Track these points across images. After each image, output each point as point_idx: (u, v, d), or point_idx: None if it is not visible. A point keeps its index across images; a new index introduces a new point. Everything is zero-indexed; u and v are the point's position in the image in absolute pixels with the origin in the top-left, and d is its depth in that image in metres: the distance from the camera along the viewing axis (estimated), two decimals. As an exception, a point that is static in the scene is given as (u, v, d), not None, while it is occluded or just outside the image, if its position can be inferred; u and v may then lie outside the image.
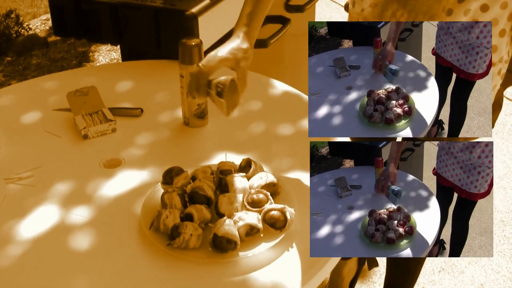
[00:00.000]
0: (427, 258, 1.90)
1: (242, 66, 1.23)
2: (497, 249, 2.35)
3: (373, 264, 2.07)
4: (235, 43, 1.24)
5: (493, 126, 1.46)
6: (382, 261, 2.17)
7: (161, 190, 1.19)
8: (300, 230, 1.12)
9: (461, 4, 1.27)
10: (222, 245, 1.06)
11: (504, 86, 1.45)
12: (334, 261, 1.11)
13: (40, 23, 4.36)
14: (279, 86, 1.64)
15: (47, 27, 4.24)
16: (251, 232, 1.10)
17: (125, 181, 1.28)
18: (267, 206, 1.13)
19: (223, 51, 1.22)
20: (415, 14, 1.30)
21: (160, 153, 1.38)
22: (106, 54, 3.93)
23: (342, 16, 4.37)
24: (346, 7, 1.46)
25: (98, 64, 3.81)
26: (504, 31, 1.30)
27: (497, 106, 1.47)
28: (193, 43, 1.38)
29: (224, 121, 1.49)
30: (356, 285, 2.11)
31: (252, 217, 1.10)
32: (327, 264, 1.08)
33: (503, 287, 2.18)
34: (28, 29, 4.12)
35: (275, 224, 1.10)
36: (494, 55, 1.32)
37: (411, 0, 1.29)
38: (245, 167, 1.23)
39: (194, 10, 1.70)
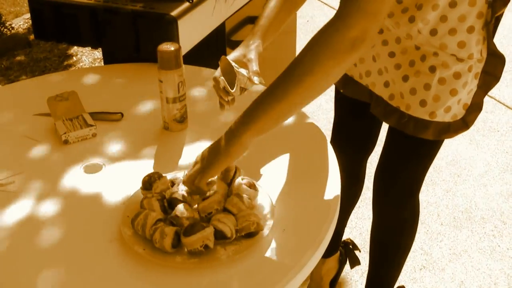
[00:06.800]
0: (408, 257, 1.92)
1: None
2: (477, 246, 2.38)
3: (356, 262, 2.09)
4: (258, 49, 1.47)
5: (471, 125, 1.47)
6: (364, 260, 2.20)
7: (141, 196, 1.20)
8: (277, 233, 1.14)
9: None
10: (199, 250, 1.07)
11: (484, 90, 1.44)
12: (314, 263, 1.13)
13: (23, 22, 4.34)
14: (261, 88, 1.64)
15: (30, 26, 4.21)
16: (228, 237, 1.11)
17: (105, 186, 1.29)
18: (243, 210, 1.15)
19: (253, 54, 1.45)
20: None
21: (140, 158, 1.39)
22: (89, 53, 3.92)
23: (324, 14, 4.39)
24: None
25: (81, 64, 3.80)
26: (472, 28, 1.33)
27: (476, 109, 1.46)
28: (172, 48, 1.38)
29: (204, 125, 1.51)
30: (338, 284, 2.13)
31: (229, 222, 1.11)
32: (306, 266, 1.09)
33: (483, 284, 2.21)
34: (10, 28, 4.10)
35: (250, 228, 1.11)
36: (462, 51, 1.35)
37: None
38: (225, 172, 1.24)
39: (174, 13, 1.70)
